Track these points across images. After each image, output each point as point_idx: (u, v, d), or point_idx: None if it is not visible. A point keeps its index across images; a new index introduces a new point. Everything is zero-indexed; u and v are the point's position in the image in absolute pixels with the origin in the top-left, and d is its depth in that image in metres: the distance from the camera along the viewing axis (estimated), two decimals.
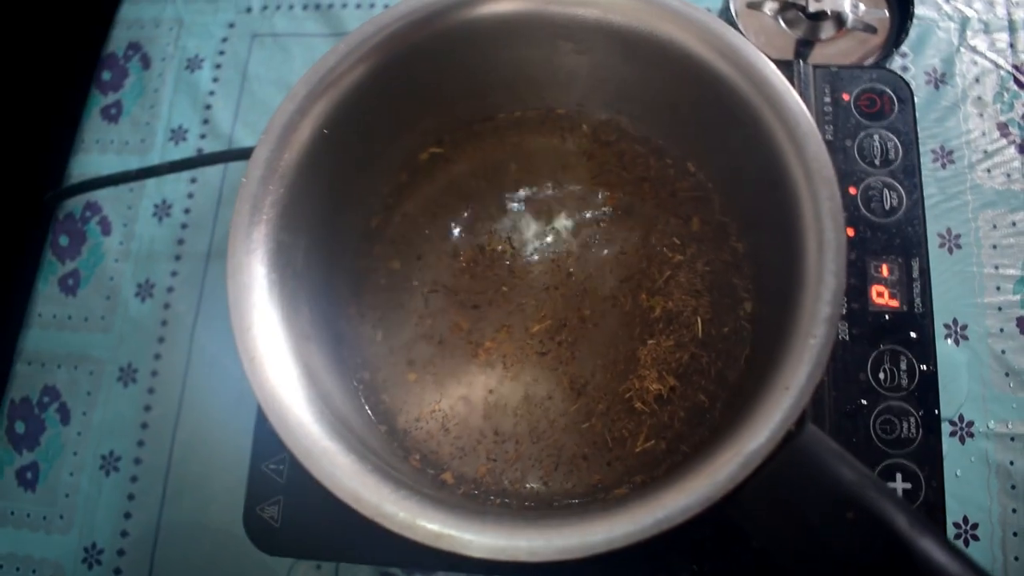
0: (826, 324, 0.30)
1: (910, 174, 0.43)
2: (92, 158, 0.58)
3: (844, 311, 0.41)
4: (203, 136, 0.58)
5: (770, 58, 0.49)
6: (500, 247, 0.42)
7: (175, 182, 0.56)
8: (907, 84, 0.45)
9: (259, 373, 0.31)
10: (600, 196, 0.43)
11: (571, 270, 0.42)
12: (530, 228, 0.43)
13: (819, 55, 0.52)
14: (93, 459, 0.52)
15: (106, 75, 0.61)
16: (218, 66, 0.59)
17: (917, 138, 0.44)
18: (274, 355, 0.32)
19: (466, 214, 0.43)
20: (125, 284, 0.55)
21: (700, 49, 0.35)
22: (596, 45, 0.38)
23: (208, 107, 0.58)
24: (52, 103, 0.61)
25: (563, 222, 0.43)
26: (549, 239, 0.42)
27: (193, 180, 0.56)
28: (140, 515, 0.50)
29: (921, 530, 0.27)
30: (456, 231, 0.43)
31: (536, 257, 0.42)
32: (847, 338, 0.41)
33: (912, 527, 0.27)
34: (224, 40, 0.60)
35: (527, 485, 0.38)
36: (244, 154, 0.53)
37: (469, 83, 0.41)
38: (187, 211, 0.56)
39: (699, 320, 0.40)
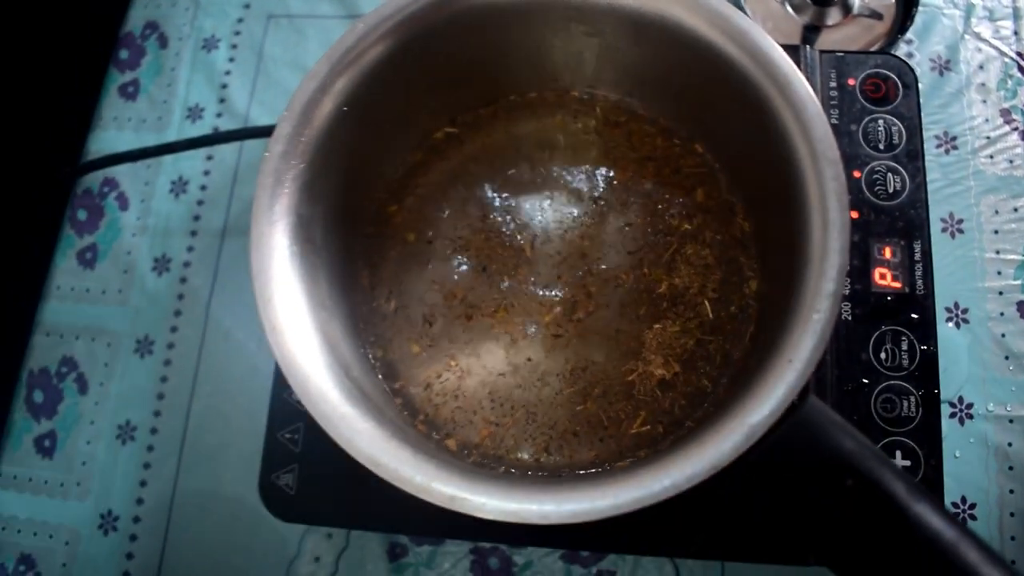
0: (830, 299, 0.31)
1: (913, 158, 0.44)
2: (110, 135, 0.60)
3: (847, 292, 0.42)
4: (219, 115, 0.59)
5: (781, 43, 0.51)
6: (512, 224, 0.43)
7: (191, 159, 0.57)
8: (912, 70, 0.45)
9: (280, 341, 0.32)
10: (611, 174, 0.44)
11: (583, 247, 0.42)
12: (542, 206, 0.44)
13: (825, 41, 0.53)
14: (110, 428, 0.53)
15: (124, 53, 0.62)
16: (234, 46, 0.60)
17: (921, 123, 0.45)
18: (294, 324, 0.33)
19: (479, 192, 0.44)
20: (142, 258, 0.56)
21: (708, 32, 0.36)
22: (607, 28, 0.39)
23: (224, 86, 0.59)
24: (71, 81, 0.62)
25: (574, 199, 0.44)
26: (560, 216, 0.43)
27: (209, 157, 0.57)
28: (155, 483, 0.52)
29: (918, 497, 0.28)
30: (469, 208, 0.44)
31: (548, 234, 0.43)
32: (850, 318, 0.42)
33: (909, 494, 0.28)
34: (240, 20, 0.61)
35: (530, 457, 0.39)
36: (260, 132, 0.54)
37: (483, 64, 0.42)
38: (203, 188, 0.57)
39: (706, 302, 0.41)
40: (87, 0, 0.63)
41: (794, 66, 0.35)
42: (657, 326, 0.41)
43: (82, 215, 0.58)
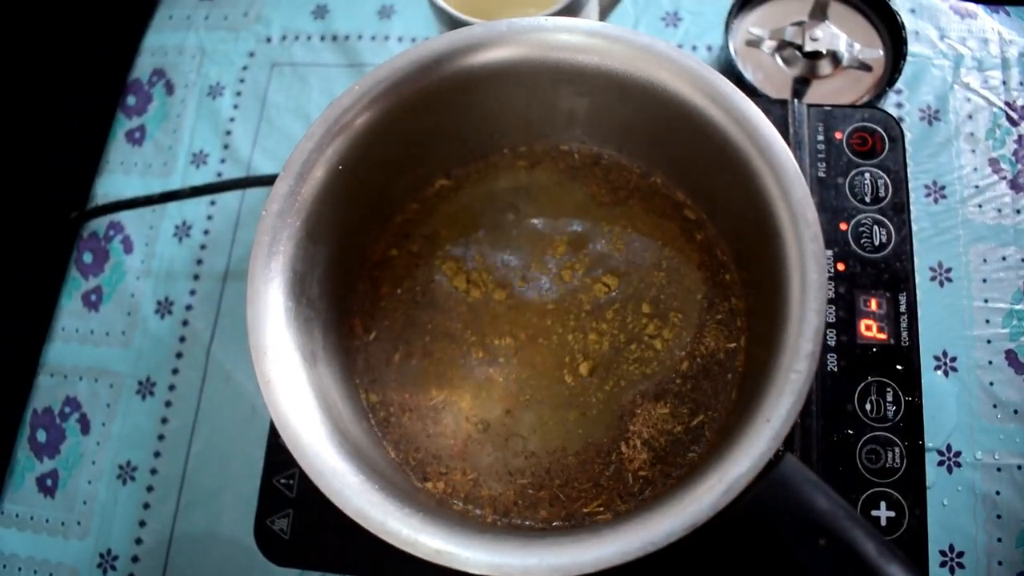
0: (807, 360, 0.32)
1: (899, 211, 0.45)
2: (116, 179, 0.61)
3: (833, 343, 0.43)
4: (223, 160, 0.60)
5: (768, 97, 0.52)
6: (505, 277, 0.44)
7: (195, 205, 0.59)
8: (897, 123, 0.46)
9: (274, 397, 0.33)
10: (600, 228, 0.45)
11: (576, 300, 0.43)
12: (535, 259, 0.44)
13: (816, 92, 0.54)
14: (111, 468, 0.54)
15: (131, 100, 0.63)
16: (238, 93, 0.62)
17: (907, 176, 0.45)
18: (288, 379, 0.34)
19: (473, 244, 0.45)
20: (145, 301, 0.57)
21: (692, 95, 0.37)
22: (595, 88, 0.40)
23: (228, 132, 0.61)
24: (80, 126, 0.64)
25: (566, 253, 0.45)
26: (553, 271, 0.44)
27: (213, 203, 0.59)
28: (154, 523, 0.52)
29: (889, 558, 0.29)
30: (463, 260, 0.45)
31: (542, 290, 0.44)
32: (835, 370, 0.42)
33: (880, 555, 0.28)
34: (244, 68, 0.63)
35: (522, 508, 0.40)
36: (262, 181, 0.55)
37: (476, 122, 0.43)
38: (206, 232, 0.58)
39: (691, 362, 0.42)
40: (97, 47, 0.64)
41: (774, 129, 0.36)
42: (641, 410, 0.41)
43: (88, 258, 0.59)
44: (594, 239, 0.45)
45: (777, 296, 0.34)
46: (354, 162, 0.38)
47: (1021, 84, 0.56)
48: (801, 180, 0.34)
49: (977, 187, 0.54)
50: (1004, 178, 0.54)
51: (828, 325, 0.43)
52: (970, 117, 0.56)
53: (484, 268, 0.44)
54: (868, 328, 0.43)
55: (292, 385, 0.35)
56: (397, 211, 0.45)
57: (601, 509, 0.39)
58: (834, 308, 0.43)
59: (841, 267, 0.44)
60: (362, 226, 0.43)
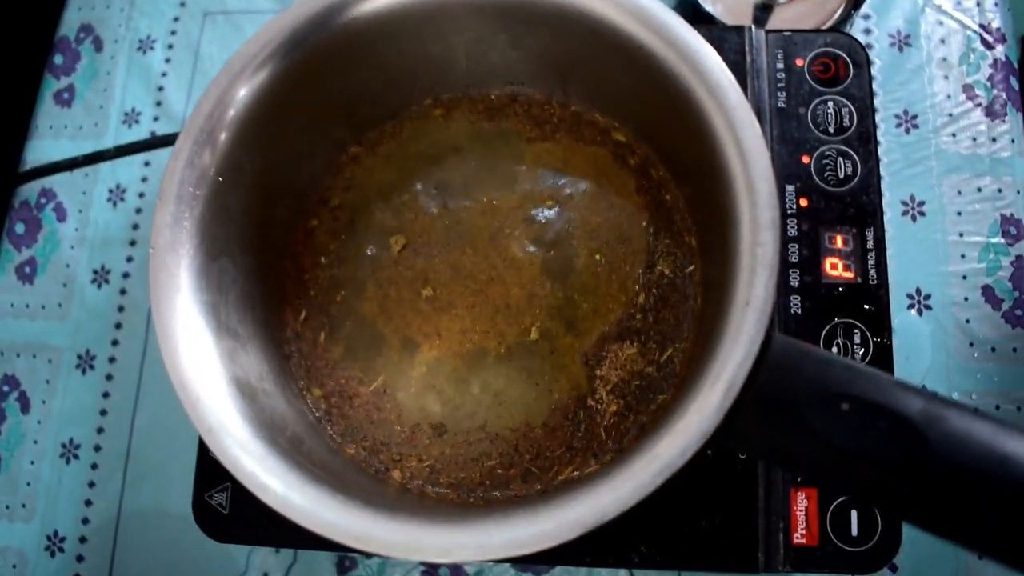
0: (771, 228, 0.29)
1: (865, 141, 0.42)
2: (46, 144, 0.58)
3: (796, 284, 0.40)
4: (156, 119, 0.57)
5: (723, 24, 0.49)
6: (436, 237, 0.41)
7: (129, 166, 0.56)
8: (863, 48, 0.43)
9: (190, 395, 0.31)
10: (532, 168, 0.41)
11: (516, 252, 0.40)
12: (466, 213, 0.41)
13: (779, 18, 0.51)
14: (53, 447, 0.52)
15: (58, 59, 0.60)
16: (170, 46, 0.58)
17: (873, 104, 0.43)
18: (204, 369, 0.32)
19: (397, 205, 0.41)
20: (81, 271, 0.54)
21: (616, 17, 0.34)
22: (503, 19, 0.37)
23: (161, 88, 0.57)
24: (5, 90, 0.60)
25: (498, 200, 0.41)
26: (487, 223, 0.41)
27: (147, 163, 0.56)
28: (101, 502, 0.50)
29: (914, 394, 0.25)
30: (388, 222, 0.41)
31: (478, 246, 0.40)
32: (799, 312, 0.40)
33: (907, 396, 0.24)
34: (176, 19, 0.59)
35: (486, 490, 0.37)
36: None
37: (378, 78, 0.39)
38: (141, 195, 0.55)
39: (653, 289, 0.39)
40: (20, 4, 0.60)
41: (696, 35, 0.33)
42: (614, 347, 0.39)
43: (20, 228, 0.56)
44: (527, 181, 0.41)
45: (720, 191, 0.31)
46: (248, 149, 0.35)
47: (996, 5, 0.53)
48: (723, 66, 0.31)
49: (951, 115, 0.51)
50: (979, 105, 0.51)
51: (791, 265, 0.40)
52: (943, 41, 0.53)
53: (412, 229, 0.41)
54: (834, 267, 0.41)
55: (208, 376, 0.32)
56: (312, 188, 0.42)
57: (576, 474, 0.37)
58: (797, 246, 0.41)
59: (804, 203, 0.41)
60: (276, 196, 0.39)
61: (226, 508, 0.40)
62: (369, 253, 0.41)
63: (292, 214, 0.41)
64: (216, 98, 0.34)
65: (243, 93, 0.34)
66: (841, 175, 0.42)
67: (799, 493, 0.38)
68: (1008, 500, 0.23)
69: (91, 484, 0.51)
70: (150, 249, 0.32)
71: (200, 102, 0.34)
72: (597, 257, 0.40)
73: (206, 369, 0.32)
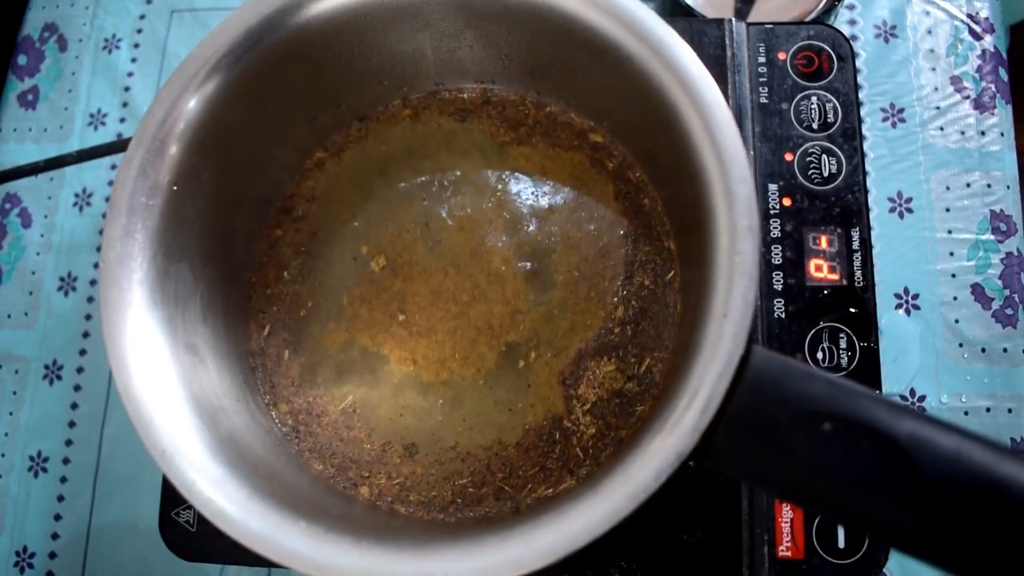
0: (749, 235, 0.27)
1: (850, 137, 0.41)
2: (10, 147, 0.56)
3: (780, 287, 0.39)
4: (122, 120, 0.55)
5: (703, 17, 0.47)
6: (404, 247, 0.39)
7: (95, 170, 0.54)
8: (846, 39, 0.42)
9: (145, 421, 0.29)
10: (505, 173, 0.40)
11: (489, 262, 0.38)
12: (435, 221, 0.39)
13: (760, 9, 0.49)
14: (21, 460, 0.50)
15: (22, 59, 0.58)
16: (136, 45, 0.57)
17: (858, 99, 0.41)
18: (160, 392, 0.30)
19: (364, 213, 0.39)
20: (47, 278, 0.53)
21: (588, 14, 0.32)
22: (472, 15, 0.35)
23: (127, 89, 0.56)
24: None
25: (471, 207, 0.39)
26: (458, 231, 0.39)
27: (113, 167, 0.54)
28: (70, 516, 0.49)
29: (903, 415, 0.24)
30: (355, 231, 0.39)
31: (448, 256, 0.39)
32: (783, 316, 0.39)
33: (895, 416, 0.23)
34: (142, 17, 0.57)
35: (458, 507, 0.36)
36: None
37: (342, 79, 0.37)
38: (107, 200, 0.53)
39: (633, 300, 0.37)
40: None
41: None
42: (592, 364, 0.37)
43: None
44: (500, 186, 0.40)
45: (698, 194, 0.29)
46: (205, 156, 0.33)
47: None
48: (698, 62, 0.30)
49: (938, 108, 0.50)
50: (967, 97, 0.50)
51: (774, 267, 0.39)
52: (929, 32, 0.51)
53: (380, 239, 0.39)
54: (818, 268, 0.39)
55: (166, 400, 0.30)
56: (276, 194, 0.40)
57: (550, 492, 0.35)
58: (780, 248, 0.39)
59: (787, 202, 0.40)
60: (239, 205, 0.37)
61: (194, 525, 0.39)
62: (337, 269, 0.39)
63: (256, 222, 0.39)
64: (169, 103, 0.32)
65: (197, 98, 0.32)
66: (825, 173, 0.40)
67: (784, 505, 0.37)
68: (1002, 528, 0.22)
69: (60, 498, 0.49)
70: (100, 263, 0.30)
71: (152, 108, 0.32)
72: (575, 274, 0.38)
73: (161, 389, 0.30)
